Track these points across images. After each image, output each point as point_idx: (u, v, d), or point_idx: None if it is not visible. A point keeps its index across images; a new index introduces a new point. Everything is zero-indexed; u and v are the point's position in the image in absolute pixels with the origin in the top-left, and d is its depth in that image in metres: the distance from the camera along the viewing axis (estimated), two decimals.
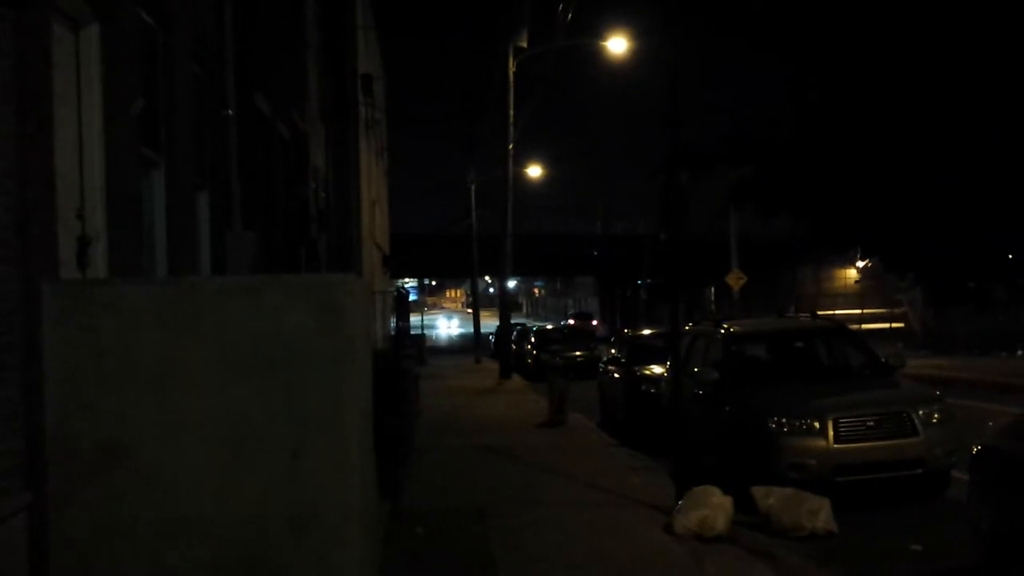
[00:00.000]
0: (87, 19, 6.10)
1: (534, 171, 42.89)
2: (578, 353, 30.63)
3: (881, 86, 31.16)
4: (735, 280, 37.67)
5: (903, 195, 31.09)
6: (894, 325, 40.12)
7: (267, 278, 5.90)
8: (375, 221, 29.25)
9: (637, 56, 28.29)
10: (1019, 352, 30.52)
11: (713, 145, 40.69)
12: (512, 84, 28.15)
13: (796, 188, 35.48)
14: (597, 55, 29.51)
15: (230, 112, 8.69)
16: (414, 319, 40.86)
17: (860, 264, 45.79)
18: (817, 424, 9.79)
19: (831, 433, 9.75)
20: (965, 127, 29.50)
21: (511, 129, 28.61)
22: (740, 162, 39.66)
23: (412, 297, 48.17)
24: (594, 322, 45.15)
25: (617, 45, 28.12)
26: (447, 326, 59.03)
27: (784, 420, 9.88)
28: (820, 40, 33.18)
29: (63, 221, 5.66)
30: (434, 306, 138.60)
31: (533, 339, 35.85)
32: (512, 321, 35.84)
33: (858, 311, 42.90)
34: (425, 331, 51.44)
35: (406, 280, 62.80)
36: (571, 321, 44.37)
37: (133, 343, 5.16)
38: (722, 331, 12.34)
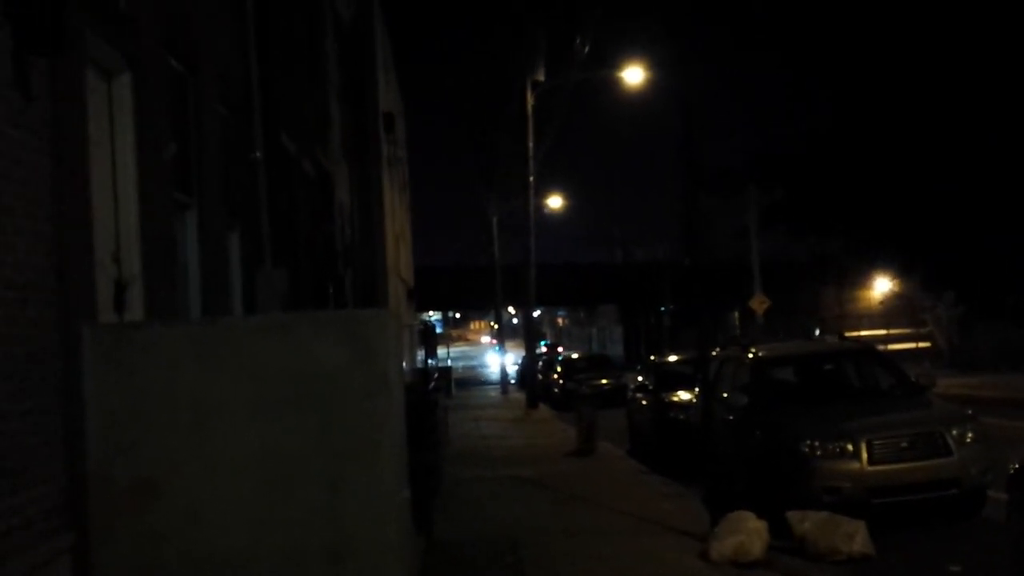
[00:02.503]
0: (119, 67, 6.25)
1: (555, 201, 43.04)
2: (604, 381, 30.61)
3: (903, 95, 31.19)
4: (759, 304, 37.52)
5: (937, 208, 31.00)
6: (920, 344, 39.79)
7: (300, 315, 5.99)
8: (400, 255, 29.42)
9: (655, 82, 28.40)
10: None
11: (740, 166, 40.78)
12: (531, 117, 28.35)
13: (829, 207, 35.41)
14: (615, 85, 29.68)
15: (258, 155, 8.82)
16: (440, 351, 40.51)
17: (886, 284, 45.50)
18: (850, 446, 9.74)
19: (864, 455, 9.70)
20: (989, 138, 29.44)
21: (531, 161, 28.78)
22: (770, 183, 39.65)
23: (437, 330, 47.78)
24: (560, 348, 46.33)
25: (634, 75, 28.28)
26: (502, 361, 45.63)
27: (816, 443, 9.84)
28: (826, 49, 33.29)
29: (100, 265, 5.78)
30: (459, 338, 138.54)
31: (559, 368, 35.82)
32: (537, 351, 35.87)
33: (883, 331, 42.61)
34: (466, 364, 49.60)
35: (430, 313, 62.88)
36: (544, 349, 45.81)
37: (171, 383, 5.24)
38: (750, 355, 12.32)
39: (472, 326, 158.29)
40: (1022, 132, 29.29)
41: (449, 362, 49.76)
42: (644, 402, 17.65)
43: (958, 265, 32.69)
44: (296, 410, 5.25)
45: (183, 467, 5.22)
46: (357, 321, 5.43)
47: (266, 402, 5.25)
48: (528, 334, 32.32)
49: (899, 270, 39.75)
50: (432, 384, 15.08)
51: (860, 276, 46.66)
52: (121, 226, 6.22)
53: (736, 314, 50.67)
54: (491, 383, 51.96)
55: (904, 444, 9.86)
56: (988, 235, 30.63)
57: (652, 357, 22.79)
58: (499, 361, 42.67)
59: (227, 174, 8.58)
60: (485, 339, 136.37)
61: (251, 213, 9.18)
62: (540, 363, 36.65)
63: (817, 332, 37.81)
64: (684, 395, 15.60)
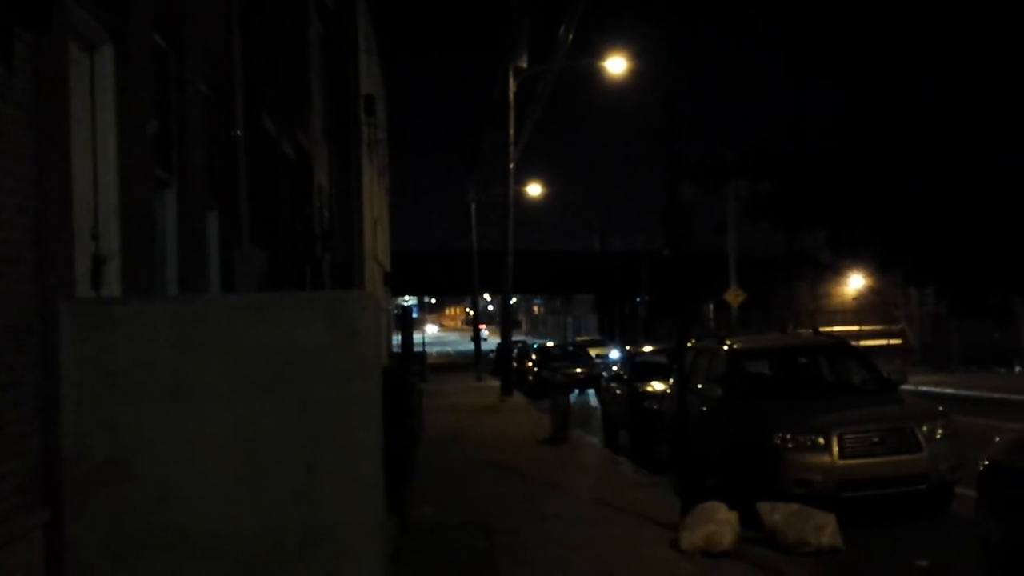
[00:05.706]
0: (102, 40, 6.18)
1: (534, 189, 43.01)
2: (579, 370, 30.70)
3: (903, 93, 31.43)
4: (734, 297, 37.78)
5: (929, 205, 31.29)
6: (892, 341, 40.17)
7: (281, 295, 5.96)
8: (377, 239, 29.34)
9: (639, 73, 28.40)
10: (1017, 368, 30.60)
11: (725, 159, 40.96)
12: (512, 104, 28.30)
13: (816, 200, 35.64)
14: (598, 73, 29.65)
15: (239, 133, 8.77)
16: (415, 336, 40.25)
17: (860, 280, 45.87)
18: (822, 440, 9.84)
19: (836, 449, 9.80)
20: (979, 138, 29.70)
21: (511, 148, 28.74)
22: (758, 175, 39.93)
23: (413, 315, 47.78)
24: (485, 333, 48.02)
25: (616, 65, 28.26)
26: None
27: (789, 436, 9.93)
28: (818, 45, 33.61)
29: (78, 240, 5.73)
30: (434, 324, 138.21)
31: (534, 356, 35.88)
32: (513, 339, 35.85)
33: (855, 327, 42.99)
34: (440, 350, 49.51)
35: (406, 297, 62.78)
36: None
37: (148, 360, 5.20)
38: (725, 347, 12.40)
39: (448, 312, 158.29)
40: (1012, 133, 29.56)
41: (424, 347, 49.82)
42: (618, 392, 17.73)
43: (942, 262, 33.01)
44: (274, 390, 5.22)
45: (159, 445, 5.19)
46: (338, 302, 5.41)
47: (244, 381, 5.22)
48: (504, 321, 32.31)
49: (883, 265, 40.11)
50: (408, 368, 15.08)
51: (835, 272, 47.04)
52: (100, 201, 6.16)
53: (711, 306, 50.96)
54: (445, 367, 51.82)
55: (875, 439, 9.98)
56: (974, 233, 30.91)
57: (627, 347, 22.87)
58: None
59: (208, 153, 8.52)
60: (431, 328, 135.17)
61: (230, 193, 9.13)
62: (514, 350, 36.65)
63: (791, 327, 38.07)
64: (658, 385, 15.69)
